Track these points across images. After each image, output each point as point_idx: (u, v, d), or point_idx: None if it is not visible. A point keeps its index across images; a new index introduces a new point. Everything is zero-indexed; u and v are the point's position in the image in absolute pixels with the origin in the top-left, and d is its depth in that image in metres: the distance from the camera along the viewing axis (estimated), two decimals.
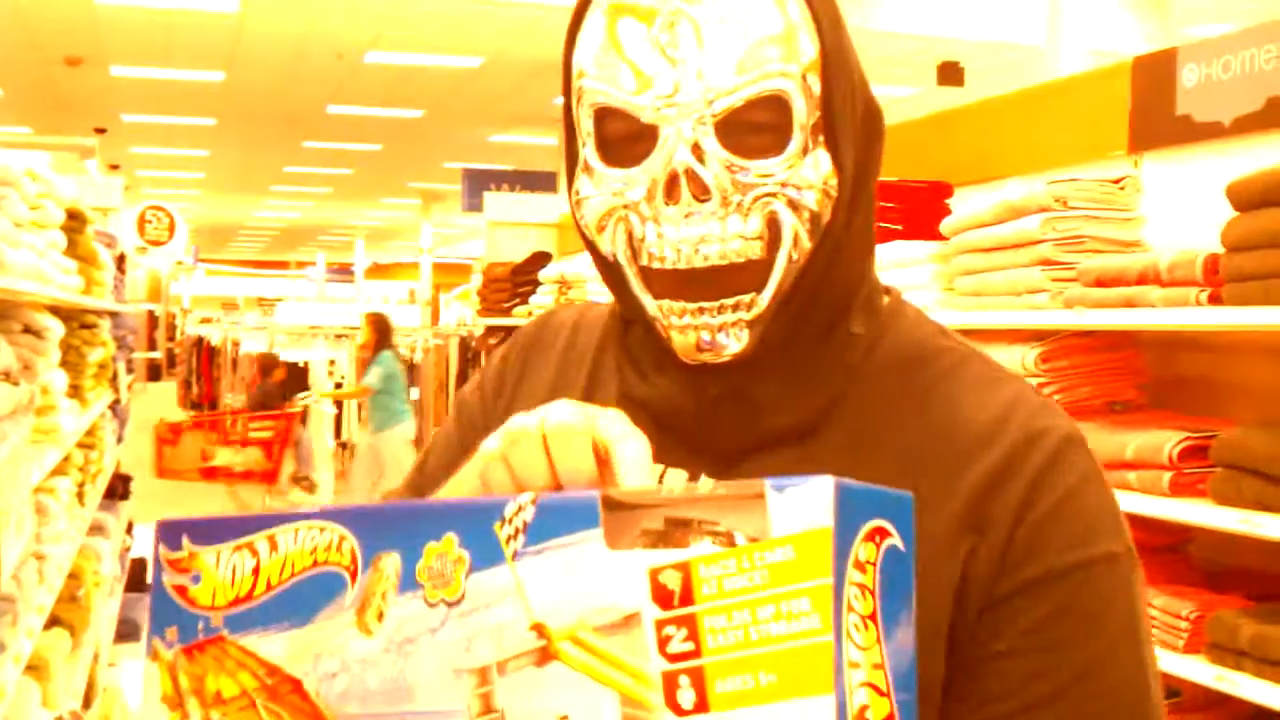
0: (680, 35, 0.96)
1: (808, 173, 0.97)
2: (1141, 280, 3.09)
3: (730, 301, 0.98)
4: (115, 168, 21.27)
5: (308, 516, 0.83)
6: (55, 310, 4.16)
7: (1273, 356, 3.23)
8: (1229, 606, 2.97)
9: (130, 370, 7.72)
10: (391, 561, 0.78)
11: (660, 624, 0.69)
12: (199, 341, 18.57)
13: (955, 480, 0.98)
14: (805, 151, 0.97)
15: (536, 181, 16.54)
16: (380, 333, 10.63)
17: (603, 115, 1.00)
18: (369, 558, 0.79)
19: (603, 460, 0.82)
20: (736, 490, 0.69)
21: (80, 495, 4.60)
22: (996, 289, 3.58)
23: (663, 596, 0.69)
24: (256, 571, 0.84)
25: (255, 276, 45.09)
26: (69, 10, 12.10)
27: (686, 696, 0.68)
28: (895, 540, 0.72)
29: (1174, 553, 3.22)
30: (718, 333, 0.98)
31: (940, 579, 0.95)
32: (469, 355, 13.00)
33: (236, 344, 15.36)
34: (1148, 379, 3.49)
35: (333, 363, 13.86)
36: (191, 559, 0.87)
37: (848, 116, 1.00)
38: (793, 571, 0.67)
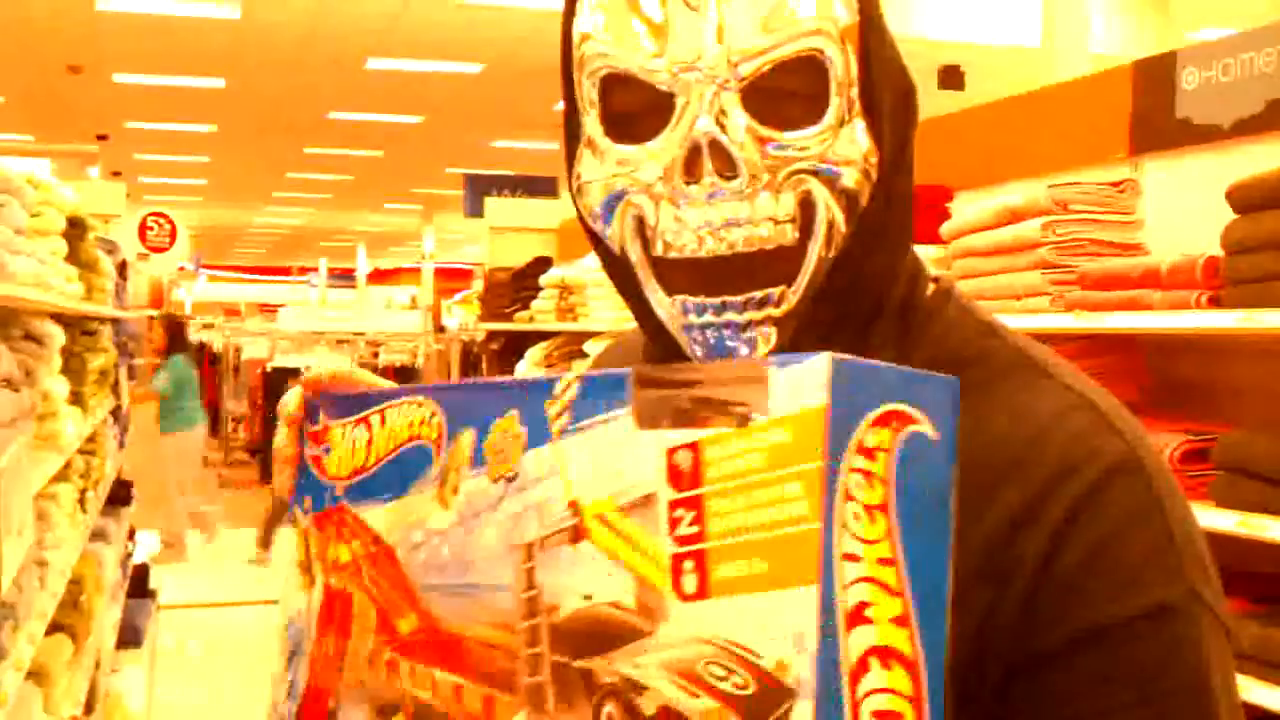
0: None
1: (845, 147, 0.84)
2: (1142, 283, 3.09)
3: (758, 295, 0.85)
4: (117, 174, 21.28)
5: (411, 392, 0.87)
6: (57, 317, 4.17)
7: (1273, 359, 3.23)
8: (1231, 610, 2.96)
9: (132, 377, 7.73)
10: (468, 436, 0.80)
11: (672, 505, 0.67)
12: (201, 347, 18.59)
13: (976, 517, 0.81)
14: (842, 123, 0.84)
15: (538, 186, 16.54)
16: (172, 336, 10.39)
17: (610, 84, 0.88)
18: (452, 433, 0.81)
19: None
20: (750, 368, 0.66)
21: (82, 501, 4.60)
22: (997, 292, 3.58)
23: (676, 477, 0.67)
24: (370, 445, 0.87)
25: (257, 283, 45.11)
26: (71, 17, 12.11)
27: (690, 581, 0.65)
28: (923, 428, 0.66)
29: None
30: (742, 332, 0.85)
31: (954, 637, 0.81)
32: (471, 360, 13.00)
33: (238, 350, 15.36)
34: (1148, 382, 3.49)
35: None
36: (325, 432, 0.91)
37: (887, 86, 0.88)
38: (787, 454, 0.63)
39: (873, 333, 0.91)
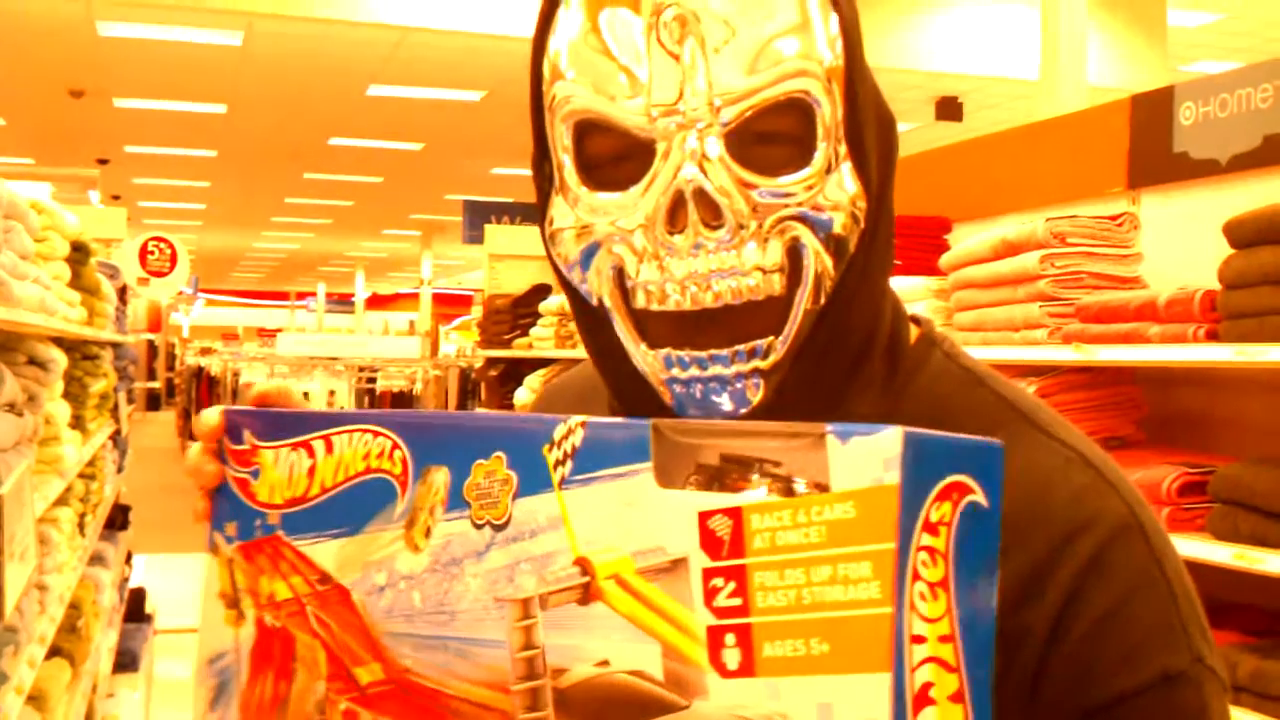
0: (678, 28, 0.79)
1: (834, 192, 0.81)
2: (1139, 317, 3.11)
3: (745, 347, 0.82)
4: (116, 198, 21.32)
5: (361, 419, 0.80)
6: (59, 342, 4.18)
7: (1270, 392, 3.25)
8: (1227, 642, 2.97)
9: (131, 401, 7.73)
10: (441, 476, 0.74)
11: (708, 573, 0.63)
12: (198, 372, 18.59)
13: None
14: (830, 168, 0.81)
15: (537, 214, 16.58)
16: None
17: (584, 129, 0.84)
18: (419, 469, 0.76)
19: None
20: (797, 430, 0.62)
21: (81, 526, 4.60)
22: (995, 324, 3.60)
23: (712, 544, 0.63)
24: (312, 472, 0.81)
25: (255, 307, 45.16)
26: (73, 42, 12.16)
27: (732, 656, 0.62)
28: (977, 497, 0.64)
29: None
30: (729, 386, 0.82)
31: None
32: (468, 387, 13.02)
33: (236, 374, 15.38)
34: (1146, 415, 3.51)
35: (332, 393, 13.87)
36: (253, 453, 0.84)
37: (871, 126, 0.85)
38: (853, 532, 0.60)
39: (858, 379, 0.88)
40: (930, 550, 0.61)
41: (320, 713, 0.78)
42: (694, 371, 0.83)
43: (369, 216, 25.89)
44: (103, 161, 17.79)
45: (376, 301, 43.82)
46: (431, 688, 0.73)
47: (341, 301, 41.95)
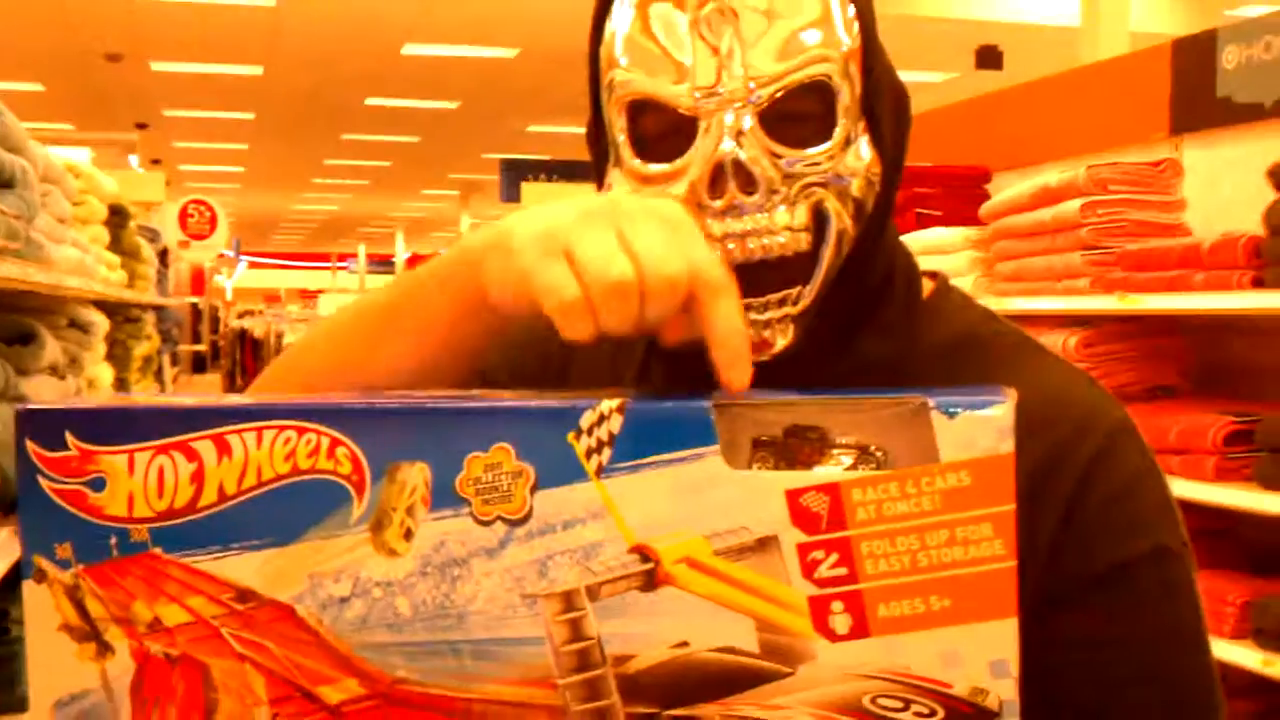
0: (717, 21, 0.91)
1: (852, 161, 0.93)
2: (1183, 264, 3.07)
3: (776, 296, 0.92)
4: (156, 162, 21.43)
5: (271, 414, 0.71)
6: (100, 305, 4.21)
7: None
8: (1275, 592, 2.95)
9: (175, 363, 7.79)
10: (418, 472, 0.69)
11: (804, 548, 0.66)
12: (242, 334, 18.71)
13: None
14: (849, 140, 0.93)
15: (574, 171, 16.55)
16: None
17: (637, 109, 0.96)
18: (381, 467, 0.69)
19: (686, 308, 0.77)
20: (884, 403, 0.67)
21: None
22: (1036, 274, 3.57)
23: (807, 520, 0.66)
24: (199, 478, 0.71)
25: (297, 269, 45.40)
26: (109, 6, 12.20)
27: (841, 621, 0.66)
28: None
29: (1219, 537, 3.21)
30: (763, 329, 0.92)
31: None
32: None
33: (279, 336, 15.46)
34: (1190, 364, 3.47)
35: None
36: (86, 459, 0.71)
37: (887, 101, 0.97)
38: (970, 497, 0.66)
39: (879, 321, 1.00)
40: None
41: None
42: None
43: (407, 177, 25.93)
44: (141, 126, 17.86)
45: (417, 261, 43.93)
46: (440, 694, 0.69)
47: (382, 262, 42.10)
